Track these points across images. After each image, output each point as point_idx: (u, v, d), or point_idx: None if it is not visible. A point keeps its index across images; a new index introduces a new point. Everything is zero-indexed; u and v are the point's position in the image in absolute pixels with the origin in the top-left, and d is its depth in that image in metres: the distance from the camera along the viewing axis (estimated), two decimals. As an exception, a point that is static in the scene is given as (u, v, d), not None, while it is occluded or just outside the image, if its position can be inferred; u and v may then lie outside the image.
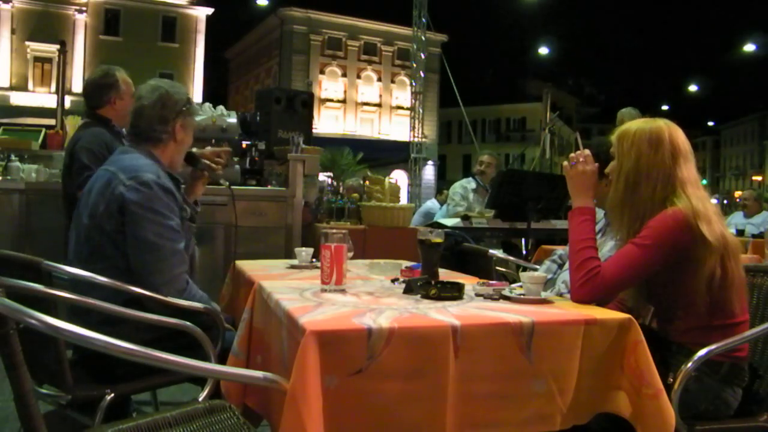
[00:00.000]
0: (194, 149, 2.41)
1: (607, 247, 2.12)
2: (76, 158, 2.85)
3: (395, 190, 4.17)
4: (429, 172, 29.66)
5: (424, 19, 18.85)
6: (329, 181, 4.48)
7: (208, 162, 2.42)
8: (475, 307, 1.54)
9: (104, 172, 1.99)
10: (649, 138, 1.74)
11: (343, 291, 1.69)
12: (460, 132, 39.12)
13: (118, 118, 2.99)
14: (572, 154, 1.84)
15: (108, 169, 2.00)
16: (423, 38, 19.13)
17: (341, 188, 4.26)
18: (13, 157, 4.16)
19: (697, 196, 1.69)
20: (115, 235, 1.90)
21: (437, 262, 1.91)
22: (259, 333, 1.73)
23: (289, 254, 3.05)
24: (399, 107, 33.11)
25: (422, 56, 19.13)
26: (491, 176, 5.17)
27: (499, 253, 4.10)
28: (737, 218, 6.47)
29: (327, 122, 31.34)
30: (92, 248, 1.93)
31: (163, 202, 1.93)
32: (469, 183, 5.24)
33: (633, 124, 1.80)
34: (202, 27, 30.76)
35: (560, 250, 2.71)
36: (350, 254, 1.83)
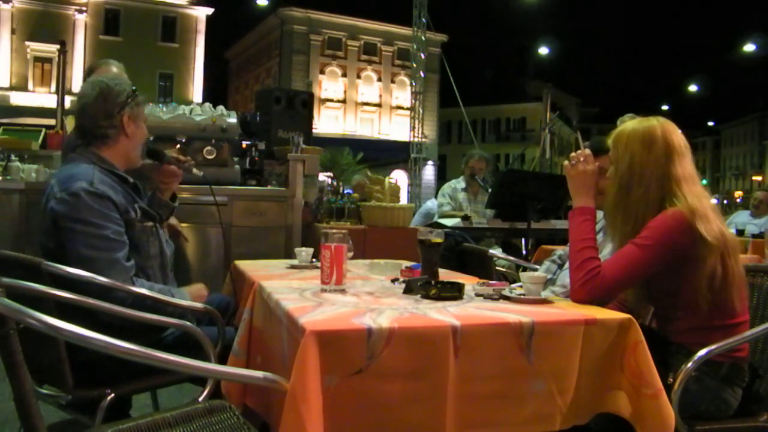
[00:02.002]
0: (167, 151, 2.34)
1: (606, 250, 2.11)
2: None
3: (395, 190, 4.17)
4: (429, 172, 29.67)
5: (424, 19, 18.85)
6: (329, 181, 4.48)
7: (175, 155, 2.32)
8: (475, 307, 1.54)
9: (48, 186, 1.92)
10: (642, 138, 1.74)
11: (343, 291, 1.69)
12: (460, 132, 39.12)
13: None
14: (573, 154, 1.84)
15: (50, 181, 1.93)
16: (423, 38, 19.13)
17: (341, 188, 4.25)
18: (13, 157, 4.16)
19: (693, 194, 1.68)
20: (57, 251, 1.82)
21: (437, 262, 1.91)
22: (259, 333, 1.73)
23: (289, 254, 3.05)
24: (399, 107, 33.11)
25: (422, 56, 19.13)
26: (484, 174, 5.17)
27: (499, 252, 4.11)
28: (741, 217, 6.40)
29: (327, 122, 31.33)
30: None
31: (95, 210, 1.82)
32: (459, 183, 5.24)
33: (627, 125, 1.80)
34: (202, 27, 30.74)
35: (560, 250, 2.71)
36: (350, 254, 1.83)
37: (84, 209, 1.81)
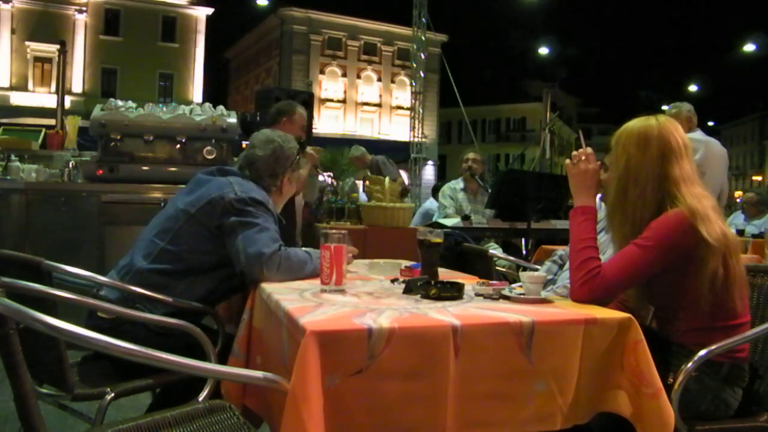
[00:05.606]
0: None
1: (609, 251, 2.11)
2: None
3: (395, 190, 4.17)
4: (429, 172, 29.65)
5: (424, 19, 18.86)
6: (329, 181, 4.47)
7: None
8: (475, 307, 1.53)
9: (224, 179, 2.07)
10: (637, 139, 1.73)
11: (342, 291, 1.69)
12: (460, 132, 39.14)
13: None
14: (574, 153, 1.83)
15: (228, 179, 2.07)
16: (423, 38, 19.13)
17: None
18: (13, 157, 4.16)
19: (692, 194, 1.67)
20: (196, 228, 1.97)
21: (437, 262, 1.91)
22: (259, 334, 1.73)
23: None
24: (399, 107, 33.13)
25: (422, 56, 19.13)
26: (480, 171, 5.16)
27: (499, 252, 4.11)
28: (738, 219, 6.45)
29: (327, 122, 31.35)
30: (168, 228, 2.00)
31: (268, 212, 2.00)
32: (457, 183, 5.21)
33: (627, 125, 1.79)
34: (202, 27, 30.76)
35: (560, 250, 2.70)
36: (350, 255, 1.82)
37: (262, 209, 1.98)
